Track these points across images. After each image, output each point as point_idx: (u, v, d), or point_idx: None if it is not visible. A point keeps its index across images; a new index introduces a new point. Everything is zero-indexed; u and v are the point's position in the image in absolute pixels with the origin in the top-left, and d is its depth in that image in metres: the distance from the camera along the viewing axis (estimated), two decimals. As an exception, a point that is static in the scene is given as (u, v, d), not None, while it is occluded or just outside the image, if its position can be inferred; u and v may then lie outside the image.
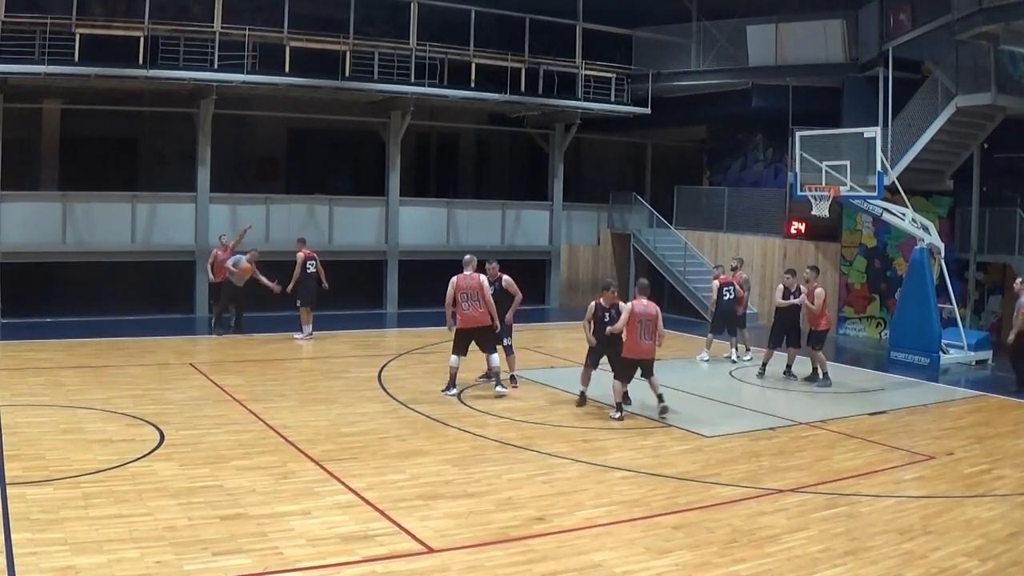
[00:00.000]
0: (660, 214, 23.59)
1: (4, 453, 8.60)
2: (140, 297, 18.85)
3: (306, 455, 9.08)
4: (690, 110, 23.60)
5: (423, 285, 19.25)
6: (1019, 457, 10.02)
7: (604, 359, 11.56)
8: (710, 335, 15.93)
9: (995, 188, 18.99)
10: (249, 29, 18.18)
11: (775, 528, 7.48)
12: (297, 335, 16.47)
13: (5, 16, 16.39)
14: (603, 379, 11.57)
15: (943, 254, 16.64)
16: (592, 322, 11.46)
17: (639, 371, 11.15)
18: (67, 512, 7.10)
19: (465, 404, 11.72)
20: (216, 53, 17.75)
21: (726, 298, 15.67)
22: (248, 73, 18.09)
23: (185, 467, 8.48)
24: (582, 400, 11.74)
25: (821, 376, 13.82)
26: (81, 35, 16.75)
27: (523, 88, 21.07)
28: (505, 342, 12.62)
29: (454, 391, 12.06)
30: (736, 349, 15.99)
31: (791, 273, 14.32)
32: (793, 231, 20.75)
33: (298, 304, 16.37)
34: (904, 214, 16.31)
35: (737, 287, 15.83)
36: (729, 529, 7.42)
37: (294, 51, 18.49)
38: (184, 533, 6.79)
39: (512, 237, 23.09)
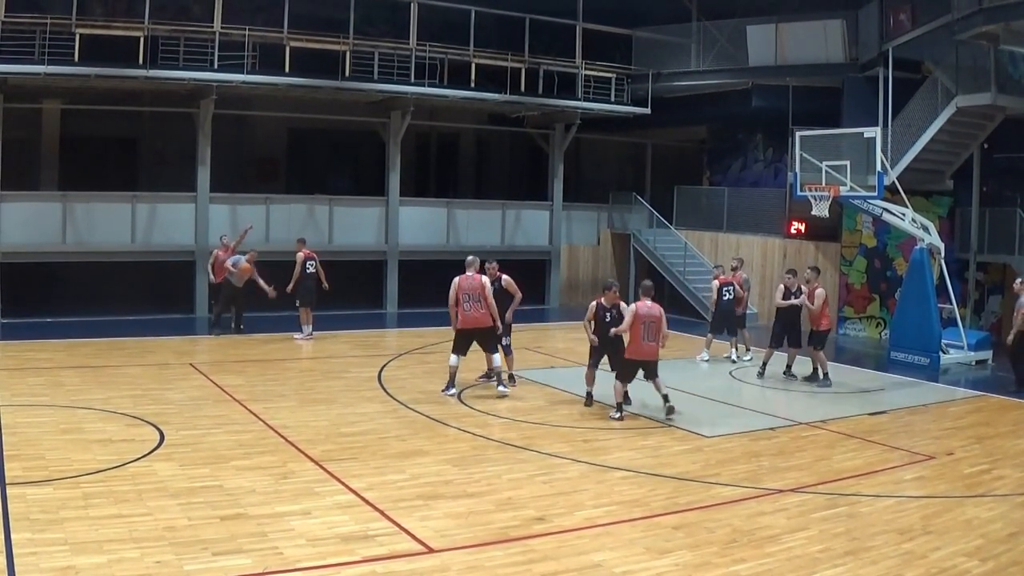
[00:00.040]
0: (660, 214, 23.59)
1: (4, 453, 8.60)
2: (140, 297, 18.84)
3: (306, 455, 9.08)
4: (690, 110, 23.59)
5: (423, 285, 19.28)
6: (1019, 457, 10.02)
7: (604, 359, 11.57)
8: (710, 335, 15.94)
9: (995, 188, 18.99)
10: (249, 29, 18.18)
11: (775, 528, 7.48)
12: (297, 335, 16.47)
13: (5, 16, 16.39)
14: (604, 379, 11.57)
15: (943, 254, 16.64)
16: (593, 322, 11.47)
17: (642, 372, 11.14)
18: (67, 512, 7.10)
19: (465, 404, 11.72)
20: (216, 53, 17.75)
21: (725, 298, 15.68)
22: (248, 73, 18.08)
23: (185, 467, 8.48)
24: (589, 400, 11.73)
25: (821, 376, 13.82)
26: (81, 35, 16.74)
27: (523, 88, 21.07)
28: (504, 341, 12.63)
29: (453, 391, 12.06)
30: (736, 349, 16.00)
31: (792, 273, 14.32)
32: (793, 231, 20.75)
33: (297, 304, 16.38)
34: (904, 214, 16.31)
35: (737, 287, 15.83)
36: (729, 529, 7.42)
37: (294, 51, 18.48)
38: (184, 533, 6.79)
39: (512, 237, 23.09)
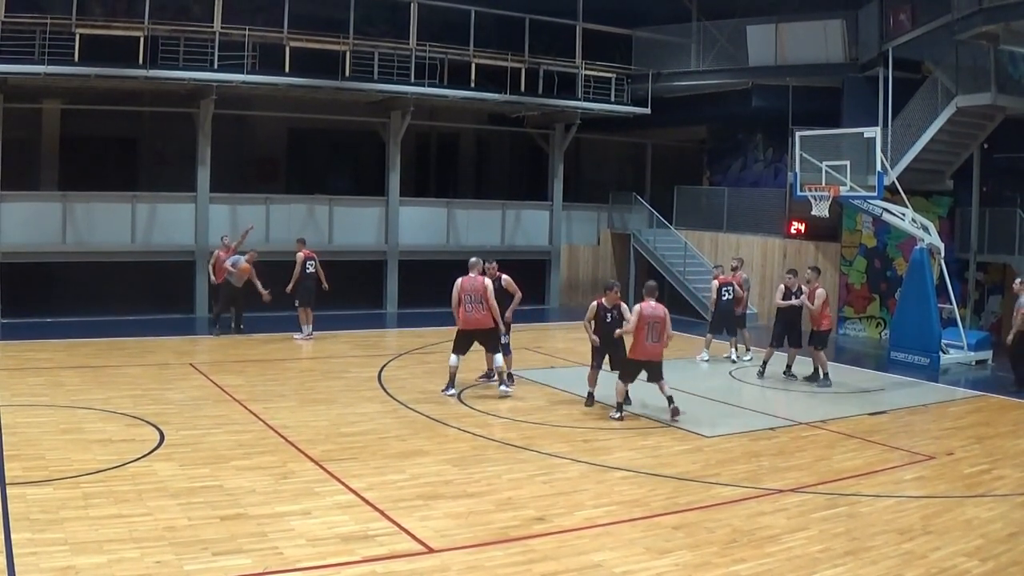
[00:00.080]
0: (660, 214, 23.58)
1: (4, 453, 8.60)
2: (140, 297, 18.84)
3: (306, 455, 9.08)
4: (690, 110, 23.59)
5: (423, 285, 19.30)
6: (1019, 457, 10.02)
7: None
8: (709, 335, 15.94)
9: (995, 188, 18.99)
10: (249, 29, 18.18)
11: (775, 528, 7.48)
12: (297, 335, 16.47)
13: (5, 16, 16.39)
14: (604, 380, 11.57)
15: (943, 254, 16.64)
16: (594, 321, 11.47)
17: (644, 374, 11.14)
18: (67, 512, 7.10)
19: (465, 404, 11.72)
20: (216, 53, 17.74)
21: (725, 298, 15.69)
22: (248, 73, 18.08)
23: (185, 467, 8.48)
24: (590, 401, 11.73)
25: (821, 376, 13.82)
26: (81, 35, 16.74)
27: (523, 88, 21.07)
28: (503, 340, 12.63)
29: (453, 391, 12.06)
30: (736, 349, 16.00)
31: (792, 273, 14.32)
32: (793, 231, 20.75)
33: (296, 304, 16.38)
34: (904, 214, 16.31)
35: (736, 287, 15.84)
36: (729, 529, 7.42)
37: (294, 51, 18.48)
38: (184, 533, 6.79)
39: (512, 237, 23.09)
